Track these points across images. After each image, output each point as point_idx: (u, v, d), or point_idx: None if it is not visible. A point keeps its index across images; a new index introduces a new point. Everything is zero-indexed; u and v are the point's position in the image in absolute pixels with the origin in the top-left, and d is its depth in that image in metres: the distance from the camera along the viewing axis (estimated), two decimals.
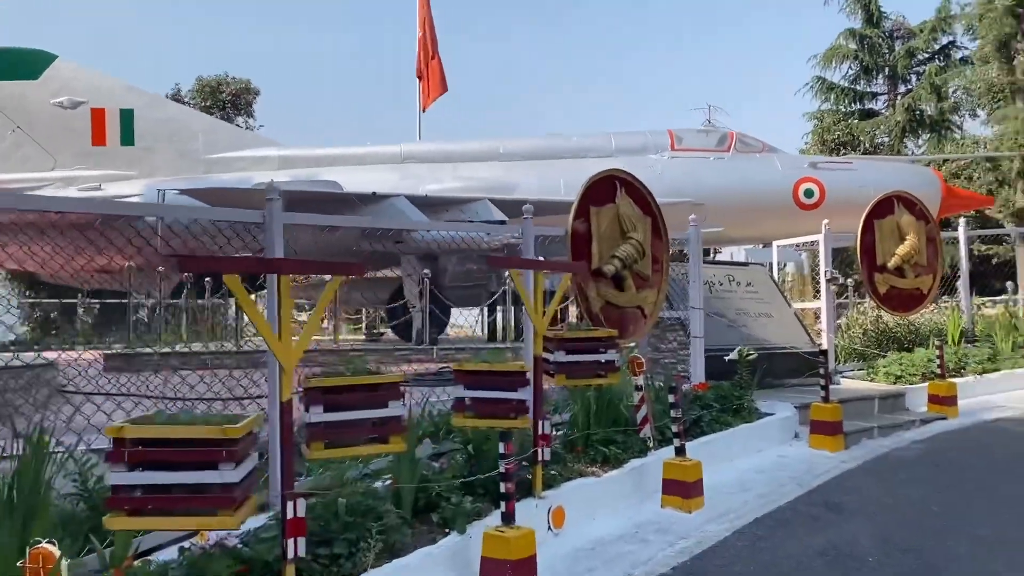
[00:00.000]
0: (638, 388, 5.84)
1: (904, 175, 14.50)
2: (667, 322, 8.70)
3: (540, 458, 4.73)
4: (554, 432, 6.08)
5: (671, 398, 5.55)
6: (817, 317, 10.24)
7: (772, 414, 7.43)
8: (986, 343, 10.52)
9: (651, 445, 5.88)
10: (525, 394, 4.36)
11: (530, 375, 4.66)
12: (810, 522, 5.12)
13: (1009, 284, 15.33)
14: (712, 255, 19.39)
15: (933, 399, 8.52)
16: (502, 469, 4.00)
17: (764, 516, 5.23)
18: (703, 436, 6.50)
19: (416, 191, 13.47)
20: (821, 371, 7.18)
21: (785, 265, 13.91)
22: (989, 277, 24.24)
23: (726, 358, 7.67)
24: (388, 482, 4.48)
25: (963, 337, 10.66)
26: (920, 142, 33.57)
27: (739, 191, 14.64)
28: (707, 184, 14.58)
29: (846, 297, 14.85)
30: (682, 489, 5.35)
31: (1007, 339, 10.45)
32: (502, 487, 4.00)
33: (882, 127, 34.03)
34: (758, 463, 6.63)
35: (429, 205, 12.39)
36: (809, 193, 14.79)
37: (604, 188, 7.22)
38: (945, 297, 11.73)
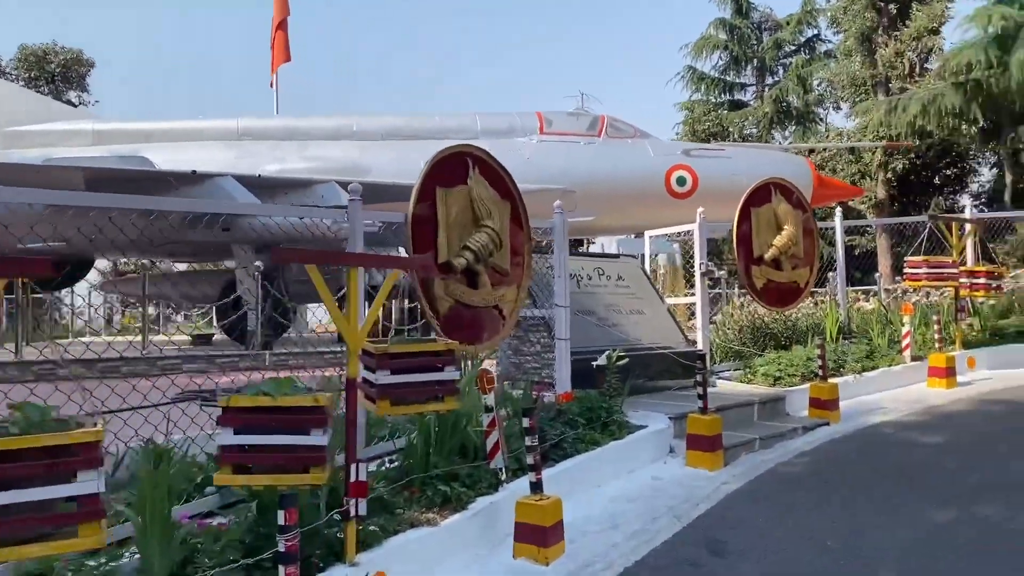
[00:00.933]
0: (488, 409, 4.85)
1: (778, 163, 14.23)
2: (530, 322, 7.78)
3: (354, 513, 3.66)
4: (386, 464, 5.03)
5: (526, 422, 4.58)
6: (693, 313, 9.59)
7: (645, 427, 6.63)
8: (863, 339, 10.19)
9: (503, 478, 4.90)
10: (319, 438, 3.26)
11: (338, 408, 3.58)
12: (690, 572, 4.27)
13: (877, 275, 15.40)
14: (586, 246, 18.80)
15: (815, 403, 7.97)
16: (281, 547, 2.90)
17: (636, 565, 4.35)
18: (567, 460, 5.60)
19: (253, 171, 12.06)
20: (698, 377, 6.40)
21: (656, 256, 13.34)
22: (850, 268, 24.86)
23: (594, 364, 6.81)
24: (136, 557, 3.31)
25: (840, 333, 10.30)
26: (787, 134, 34.38)
27: (610, 177, 13.97)
28: (577, 169, 13.83)
29: (719, 292, 14.52)
30: (538, 535, 4.39)
31: (883, 334, 10.15)
32: (281, 572, 2.90)
33: (751, 118, 34.67)
34: (630, 488, 5.78)
35: (266, 187, 11.01)
36: (682, 181, 14.30)
37: (454, 167, 6.18)
38: (816, 288, 11.39)
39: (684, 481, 5.99)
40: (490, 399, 4.82)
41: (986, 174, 34.66)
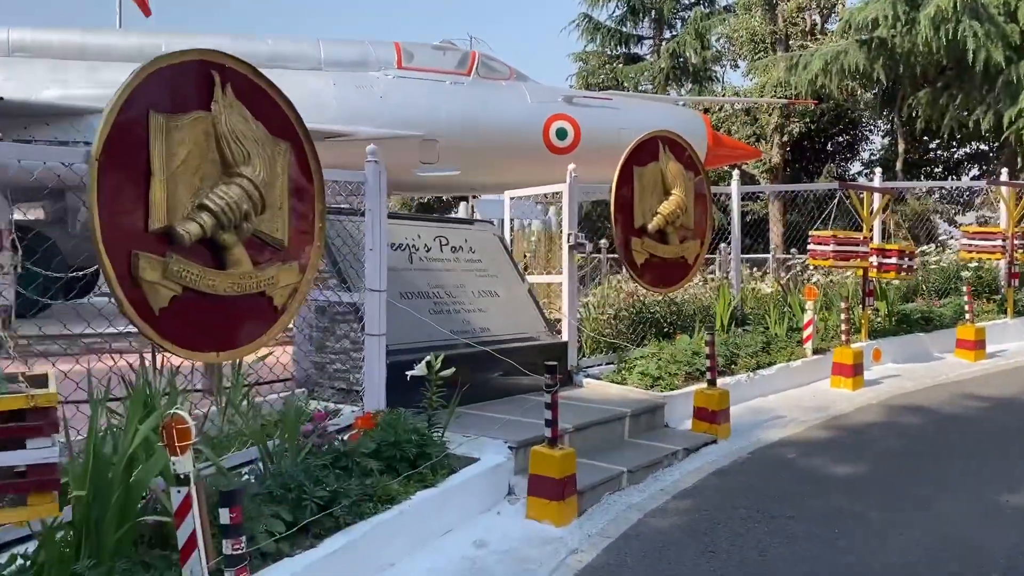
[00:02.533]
0: (181, 481, 2.99)
1: (670, 117, 12.66)
2: (336, 309, 5.91)
3: None
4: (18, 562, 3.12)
5: (224, 515, 2.75)
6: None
7: (476, 459, 4.91)
8: (759, 326, 8.78)
9: None
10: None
11: None
12: None
13: (773, 248, 14.19)
14: (456, 207, 16.83)
15: (700, 414, 6.46)
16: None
17: None
18: (342, 532, 3.80)
19: (29, 96, 9.63)
20: (547, 382, 4.66)
21: (530, 224, 11.60)
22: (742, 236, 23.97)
23: (408, 374, 5.01)
24: None
25: (733, 320, 8.86)
26: (683, 92, 33.21)
27: (480, 125, 12.08)
28: (441, 113, 11.88)
29: (595, 267, 12.97)
30: None
31: (781, 322, 8.77)
32: None
33: (646, 73, 33.32)
34: (438, 567, 4.05)
35: (9, 115, 8.65)
36: (562, 133, 12.56)
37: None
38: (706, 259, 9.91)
39: (519, 549, 4.30)
40: (184, 463, 2.95)
41: (877, 143, 34.61)
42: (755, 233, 22.59)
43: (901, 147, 27.15)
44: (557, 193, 7.79)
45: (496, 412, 5.93)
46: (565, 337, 7.32)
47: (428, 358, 4.92)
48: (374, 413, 4.96)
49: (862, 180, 27.40)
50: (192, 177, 4.09)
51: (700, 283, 9.99)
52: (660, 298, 8.80)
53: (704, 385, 6.65)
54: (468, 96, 12.23)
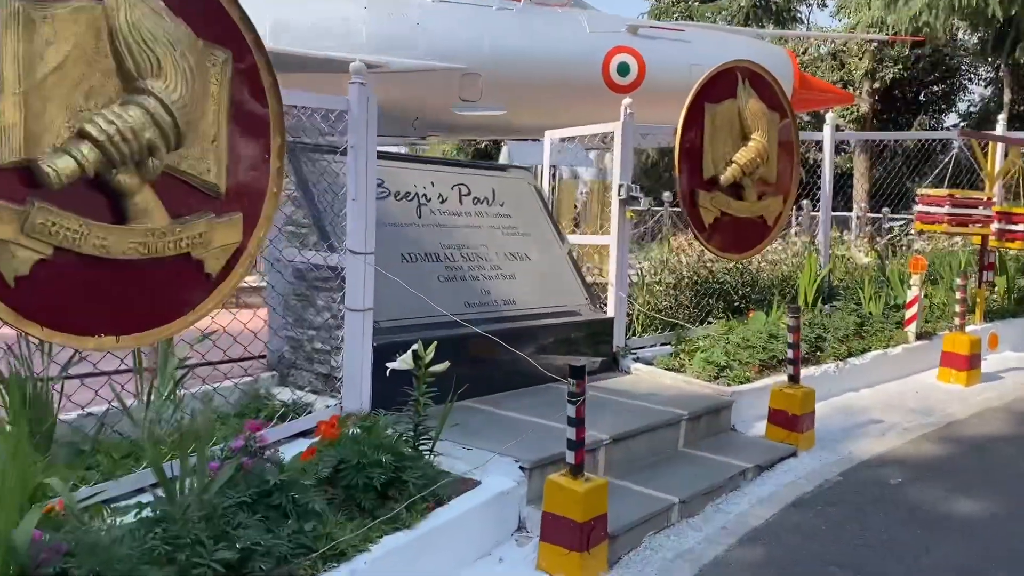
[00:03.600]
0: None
1: (752, 53, 11.05)
2: (315, 275, 4.75)
3: None
4: None
5: None
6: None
7: (477, 483, 3.73)
8: (850, 303, 7.36)
9: None
10: None
11: None
12: None
13: (858, 206, 12.57)
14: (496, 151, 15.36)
15: (777, 418, 5.16)
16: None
17: None
18: None
19: None
20: (570, 392, 3.42)
21: (576, 172, 10.16)
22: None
23: (388, 368, 3.83)
24: None
25: (820, 296, 7.45)
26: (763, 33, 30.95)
27: (529, 58, 10.69)
28: (485, 44, 10.52)
29: (652, 226, 11.53)
30: None
31: (876, 298, 7.34)
32: None
33: (724, 12, 31.14)
34: None
35: None
36: (624, 69, 11.08)
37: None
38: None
39: None
40: None
41: (976, 93, 31.86)
42: (839, 189, 20.78)
43: (1007, 97, 24.68)
44: (609, 136, 6.44)
45: (515, 409, 4.74)
46: (611, 312, 6.06)
47: (415, 347, 3.72)
48: (341, 418, 3.81)
49: (999, 130, 25.08)
50: (71, 92, 2.92)
51: (780, 248, 8.54)
52: (731, 266, 7.43)
53: (784, 379, 5.35)
54: (517, 25, 10.82)
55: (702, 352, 5.96)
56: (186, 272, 3.37)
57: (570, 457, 3.44)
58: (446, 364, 3.73)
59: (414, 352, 3.72)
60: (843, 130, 25.09)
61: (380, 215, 4.59)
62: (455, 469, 3.76)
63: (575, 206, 9.63)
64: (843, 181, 23.09)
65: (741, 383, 5.60)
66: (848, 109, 25.10)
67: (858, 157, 24.57)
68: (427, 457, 3.66)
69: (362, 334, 4.28)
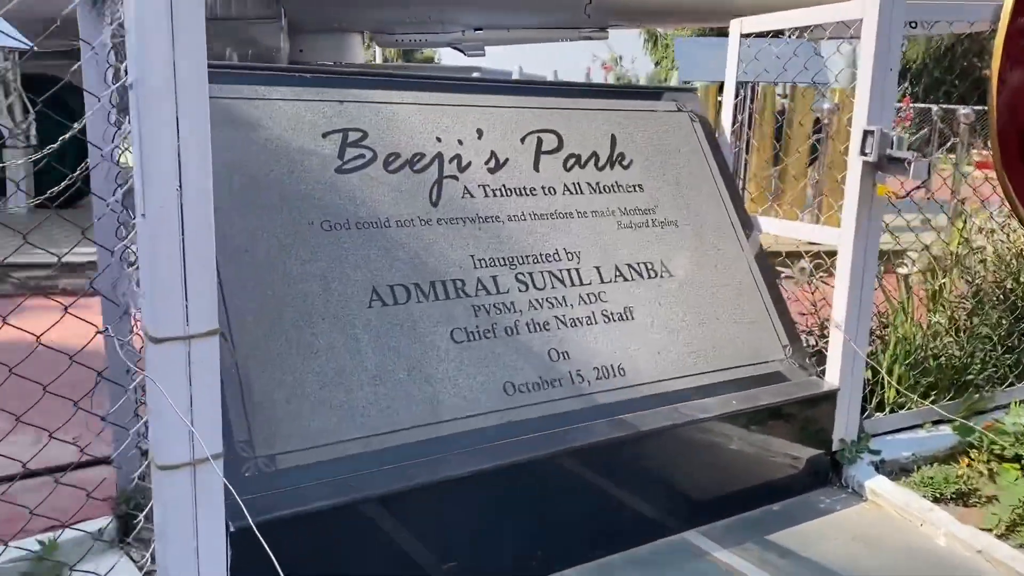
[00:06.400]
0: None
1: None
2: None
3: None
4: None
5: None
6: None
7: None
8: None
9: None
10: None
11: None
12: None
13: None
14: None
15: None
16: None
17: None
18: None
19: None
20: None
21: (776, 88, 6.20)
22: None
23: None
24: None
25: None
26: None
27: None
28: None
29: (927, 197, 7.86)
30: None
31: None
32: None
33: None
34: None
35: None
36: None
37: None
38: None
39: None
40: None
41: None
42: None
43: None
44: (856, 25, 3.41)
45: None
46: (833, 377, 3.18)
47: None
48: None
49: None
50: None
51: None
52: None
53: None
54: None
55: (1016, 447, 2.98)
56: None
57: None
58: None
59: None
60: None
61: (339, 203, 2.10)
62: None
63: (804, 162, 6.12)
64: None
65: None
66: None
67: None
68: None
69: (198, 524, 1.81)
